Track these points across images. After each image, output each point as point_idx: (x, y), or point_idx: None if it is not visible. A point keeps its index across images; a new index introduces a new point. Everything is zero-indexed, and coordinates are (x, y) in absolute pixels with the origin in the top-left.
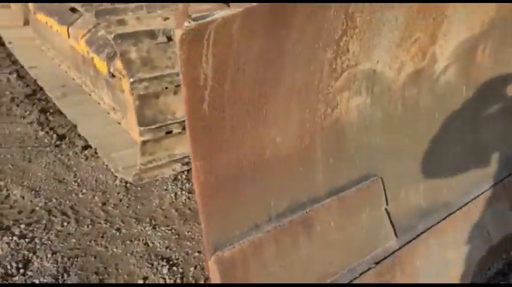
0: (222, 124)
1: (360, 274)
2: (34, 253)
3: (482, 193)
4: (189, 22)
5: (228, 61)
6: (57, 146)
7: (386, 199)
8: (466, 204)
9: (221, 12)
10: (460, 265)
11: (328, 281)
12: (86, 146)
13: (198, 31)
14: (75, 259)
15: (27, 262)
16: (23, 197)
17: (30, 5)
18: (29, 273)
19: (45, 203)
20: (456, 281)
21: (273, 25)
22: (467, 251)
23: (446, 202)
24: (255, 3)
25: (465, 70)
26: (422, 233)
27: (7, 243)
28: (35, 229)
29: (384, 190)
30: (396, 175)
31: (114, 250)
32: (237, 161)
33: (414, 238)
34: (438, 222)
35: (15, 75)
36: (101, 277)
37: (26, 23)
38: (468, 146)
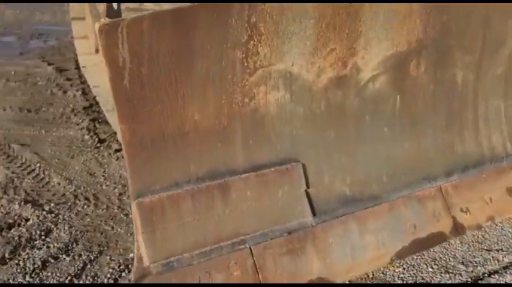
0: (143, 97)
1: (271, 239)
2: (55, 225)
3: (416, 192)
4: (105, 19)
5: (142, 50)
6: (96, 147)
7: (307, 183)
8: (395, 199)
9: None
10: (377, 250)
11: (239, 239)
12: (120, 149)
13: (112, 25)
14: (85, 233)
15: (48, 232)
16: (59, 184)
17: None
18: (48, 240)
19: (74, 189)
20: (370, 263)
21: (180, 26)
22: (388, 239)
23: (374, 195)
24: (163, 10)
25: (398, 81)
26: (342, 216)
27: (37, 216)
28: (61, 207)
29: (306, 175)
30: (321, 165)
31: (118, 229)
32: (158, 129)
33: (333, 219)
34: (361, 210)
35: (80, 92)
36: (101, 249)
37: (97, 51)
38: (403, 149)
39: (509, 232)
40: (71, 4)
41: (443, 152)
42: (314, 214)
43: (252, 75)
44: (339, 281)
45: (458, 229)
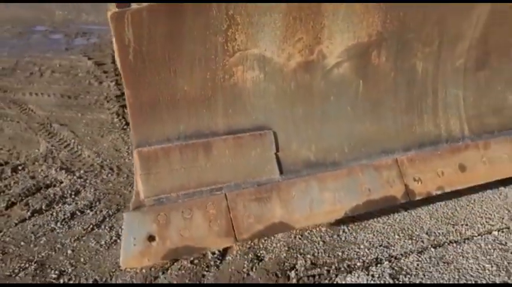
0: (143, 70)
1: (243, 189)
2: (83, 188)
3: (373, 161)
4: (115, 9)
5: (142, 33)
6: (123, 129)
7: (277, 147)
8: (353, 166)
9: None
10: (334, 205)
11: (216, 187)
12: None
13: (120, 13)
14: (107, 195)
15: (77, 192)
16: (89, 156)
17: None
18: (76, 198)
19: (101, 161)
20: (326, 215)
21: (171, 16)
22: (344, 197)
23: (335, 162)
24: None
25: (361, 68)
26: (306, 176)
27: (69, 179)
28: (89, 174)
29: (276, 141)
30: (289, 134)
31: None
32: (155, 96)
33: (297, 177)
34: (323, 172)
35: (114, 82)
36: (119, 207)
37: None
38: (364, 127)
39: (478, 211)
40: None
41: (402, 131)
42: (281, 172)
43: (231, 56)
44: (297, 226)
45: (409, 194)
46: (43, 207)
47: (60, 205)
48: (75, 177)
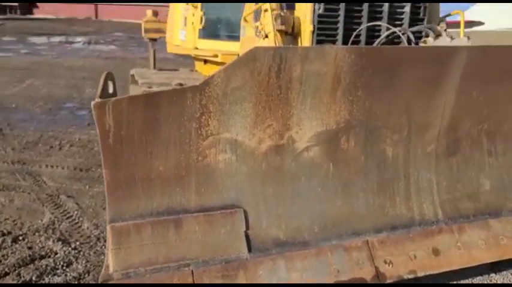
0: (121, 151)
1: (210, 265)
2: (76, 259)
3: (344, 242)
4: (98, 99)
5: (121, 120)
6: None
7: (247, 225)
8: (323, 247)
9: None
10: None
11: (184, 263)
12: None
13: (102, 103)
14: (98, 267)
15: (69, 264)
16: (87, 228)
17: None
18: (67, 270)
19: (99, 233)
20: None
21: (149, 105)
22: (311, 278)
23: (305, 242)
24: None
25: (331, 152)
26: (274, 255)
27: (64, 251)
28: (84, 246)
29: (246, 219)
30: (260, 213)
31: None
32: (131, 175)
33: (265, 256)
34: (291, 252)
35: None
36: None
37: None
38: (335, 207)
39: None
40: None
41: (373, 212)
42: (250, 250)
43: (204, 140)
44: None
45: (379, 277)
46: (33, 278)
47: (50, 276)
48: (70, 248)
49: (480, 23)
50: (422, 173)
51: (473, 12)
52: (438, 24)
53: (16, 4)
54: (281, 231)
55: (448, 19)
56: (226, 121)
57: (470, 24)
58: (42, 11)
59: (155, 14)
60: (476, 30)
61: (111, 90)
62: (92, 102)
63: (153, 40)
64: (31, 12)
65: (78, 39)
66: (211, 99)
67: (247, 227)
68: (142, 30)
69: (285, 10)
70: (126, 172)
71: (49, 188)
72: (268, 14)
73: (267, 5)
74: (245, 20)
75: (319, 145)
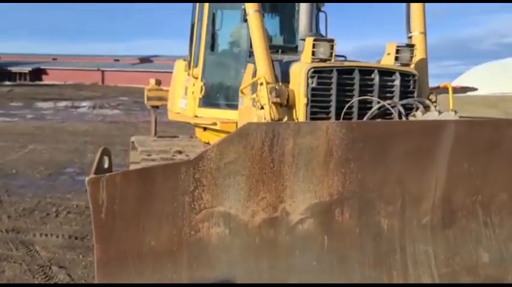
0: (113, 226)
1: None
2: None
3: None
4: (93, 175)
5: (115, 195)
6: None
7: None
8: None
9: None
10: None
11: None
12: None
13: (96, 178)
14: None
15: None
16: None
17: None
18: None
19: None
20: None
21: (143, 180)
22: None
23: None
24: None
25: (325, 224)
26: None
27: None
28: None
29: None
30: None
31: None
32: (123, 250)
33: None
34: None
35: None
36: None
37: None
38: (331, 280)
39: None
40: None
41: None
42: None
43: (197, 214)
44: None
45: None
46: None
47: None
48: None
49: (473, 89)
50: (418, 246)
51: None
52: (428, 96)
53: (26, 71)
54: None
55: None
56: (220, 195)
57: (464, 89)
58: (51, 77)
59: (158, 82)
60: (471, 95)
61: (106, 165)
62: (86, 179)
63: (155, 107)
64: (40, 79)
65: (84, 103)
66: (205, 173)
67: None
68: (145, 97)
69: (279, 83)
70: (117, 247)
71: (41, 258)
72: (264, 87)
73: (262, 79)
74: (242, 93)
75: (313, 217)
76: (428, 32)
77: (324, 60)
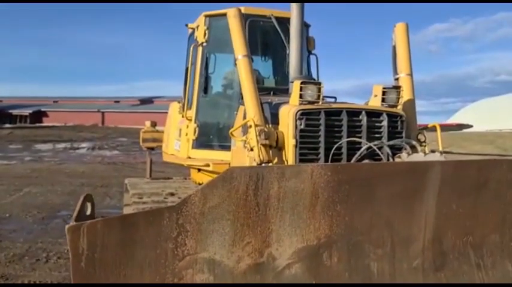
0: (93, 275)
1: None
2: None
3: None
4: (73, 222)
5: (95, 242)
6: None
7: None
8: None
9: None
10: None
11: None
12: None
13: (76, 226)
14: None
15: None
16: None
17: None
18: None
19: None
20: None
21: (124, 226)
22: None
23: None
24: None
25: (313, 268)
26: None
27: None
28: None
29: None
30: None
31: None
32: None
33: None
34: None
35: None
36: None
37: None
38: None
39: None
40: (125, 195)
41: None
42: None
43: (181, 260)
44: None
45: None
46: None
47: None
48: None
49: (469, 126)
50: None
51: (463, 114)
52: (417, 136)
53: (27, 113)
54: None
55: (438, 122)
56: (204, 240)
57: (459, 127)
58: (51, 120)
59: (153, 124)
60: (469, 132)
61: (88, 212)
62: (66, 226)
63: (151, 149)
64: (40, 121)
65: (83, 145)
66: (189, 219)
67: None
68: (141, 139)
69: (269, 125)
70: None
71: None
72: (253, 129)
73: (251, 121)
74: (232, 135)
75: (301, 261)
76: (425, 71)
77: (312, 103)
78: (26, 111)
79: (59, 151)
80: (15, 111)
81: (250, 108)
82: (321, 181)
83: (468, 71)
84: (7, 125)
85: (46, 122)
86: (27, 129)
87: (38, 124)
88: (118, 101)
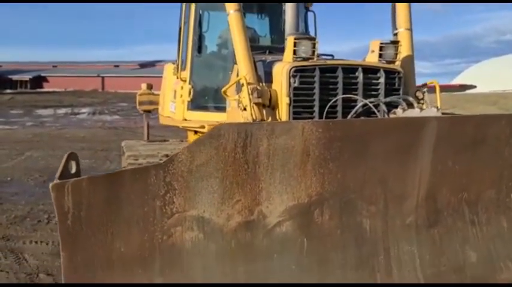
0: (80, 233)
1: None
2: None
3: None
4: (57, 180)
5: (81, 201)
6: None
7: None
8: None
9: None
10: None
11: None
12: None
13: (60, 184)
14: None
15: None
16: None
17: None
18: None
19: None
20: None
21: (110, 184)
22: None
23: None
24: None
25: (304, 226)
26: None
27: None
28: None
29: None
30: None
31: None
32: (91, 258)
33: None
34: None
35: None
36: None
37: None
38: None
39: None
40: (122, 158)
41: None
42: None
43: (169, 218)
44: None
45: None
46: None
47: None
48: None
49: (472, 87)
50: (403, 246)
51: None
52: (415, 94)
53: (27, 79)
54: None
55: (441, 83)
56: (193, 198)
57: (462, 87)
58: (51, 85)
59: (149, 87)
60: (472, 93)
61: (74, 171)
62: (50, 184)
63: (148, 112)
64: (41, 86)
65: (84, 110)
66: (176, 177)
67: None
68: (137, 102)
69: (263, 84)
70: (85, 254)
71: (29, 266)
72: (245, 87)
73: (243, 79)
74: (225, 94)
75: (292, 219)
76: (429, 32)
77: (307, 59)
78: (26, 77)
79: (59, 116)
80: (15, 77)
81: (242, 66)
82: (312, 138)
83: (475, 30)
84: (8, 91)
85: (46, 87)
86: (27, 95)
87: (38, 90)
88: (118, 66)
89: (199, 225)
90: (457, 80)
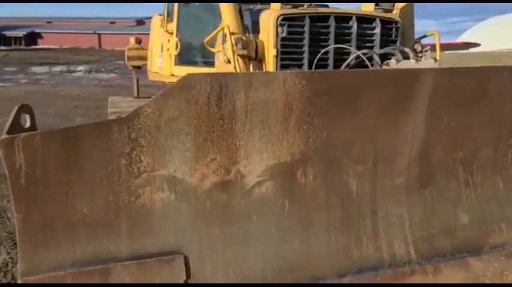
0: (36, 193)
1: None
2: None
3: None
4: (5, 135)
5: (35, 158)
6: None
7: (188, 273)
8: None
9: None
10: None
11: None
12: None
13: (9, 139)
14: None
15: None
16: None
17: None
18: None
19: None
20: None
21: (67, 140)
22: None
23: None
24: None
25: (286, 187)
26: None
27: None
28: None
29: (187, 267)
30: (204, 258)
31: None
32: (49, 219)
33: None
34: None
35: None
36: None
37: None
38: (292, 249)
39: None
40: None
41: (336, 254)
42: None
43: (137, 178)
44: None
45: None
46: None
47: None
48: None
49: (476, 45)
50: (391, 208)
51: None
52: (413, 46)
53: (21, 35)
54: (228, 278)
55: (442, 41)
56: (162, 156)
57: (466, 45)
58: (46, 42)
59: (138, 41)
60: (476, 52)
61: (28, 125)
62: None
63: (137, 68)
64: (35, 43)
65: (80, 68)
66: (142, 132)
67: (188, 276)
68: (126, 58)
69: (250, 34)
70: (42, 216)
71: (12, 225)
72: (228, 38)
73: (226, 29)
74: (206, 44)
75: (272, 179)
76: None
77: (296, 7)
78: (20, 33)
79: (55, 74)
80: (8, 33)
81: (225, 14)
82: (294, 91)
83: None
84: (2, 47)
85: (41, 44)
86: (22, 52)
87: (33, 46)
88: (114, 22)
89: (171, 185)
90: (462, 38)
